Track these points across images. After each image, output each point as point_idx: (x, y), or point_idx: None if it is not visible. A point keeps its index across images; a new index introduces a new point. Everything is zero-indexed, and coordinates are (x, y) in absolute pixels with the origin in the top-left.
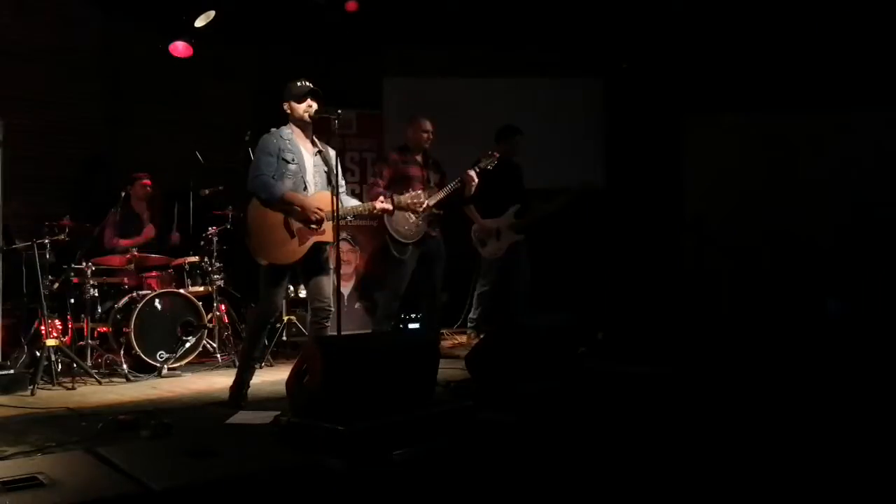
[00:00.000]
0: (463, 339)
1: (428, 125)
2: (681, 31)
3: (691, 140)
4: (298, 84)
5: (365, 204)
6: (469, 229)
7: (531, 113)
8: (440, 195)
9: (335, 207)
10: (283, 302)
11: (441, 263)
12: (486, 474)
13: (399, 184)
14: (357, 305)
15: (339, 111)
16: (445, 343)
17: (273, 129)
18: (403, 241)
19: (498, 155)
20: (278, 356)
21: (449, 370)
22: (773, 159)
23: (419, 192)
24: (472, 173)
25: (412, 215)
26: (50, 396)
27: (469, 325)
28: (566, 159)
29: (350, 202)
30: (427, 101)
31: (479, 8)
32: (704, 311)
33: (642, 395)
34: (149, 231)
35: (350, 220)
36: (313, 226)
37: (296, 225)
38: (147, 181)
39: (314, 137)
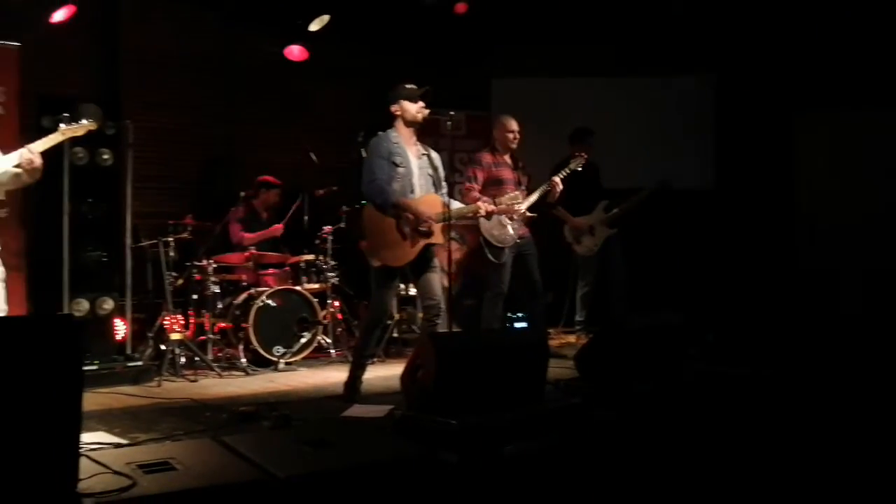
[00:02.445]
0: (571, 338)
1: (513, 125)
2: (792, 27)
3: (803, 137)
4: (410, 86)
5: (469, 206)
6: (559, 230)
7: (640, 111)
8: (533, 199)
9: (446, 209)
10: (395, 300)
11: (535, 260)
12: (593, 472)
13: (492, 186)
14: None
15: (452, 113)
16: (553, 342)
17: (381, 133)
18: (498, 245)
19: (585, 156)
20: (390, 352)
21: (558, 369)
22: (888, 157)
23: (516, 193)
24: (558, 179)
25: (506, 220)
26: (174, 388)
27: (577, 327)
28: (676, 158)
29: (454, 205)
30: (535, 102)
31: (587, 7)
32: (818, 312)
33: (750, 397)
34: (275, 229)
35: (454, 222)
36: (422, 232)
37: (407, 228)
38: (279, 190)
39: (417, 140)
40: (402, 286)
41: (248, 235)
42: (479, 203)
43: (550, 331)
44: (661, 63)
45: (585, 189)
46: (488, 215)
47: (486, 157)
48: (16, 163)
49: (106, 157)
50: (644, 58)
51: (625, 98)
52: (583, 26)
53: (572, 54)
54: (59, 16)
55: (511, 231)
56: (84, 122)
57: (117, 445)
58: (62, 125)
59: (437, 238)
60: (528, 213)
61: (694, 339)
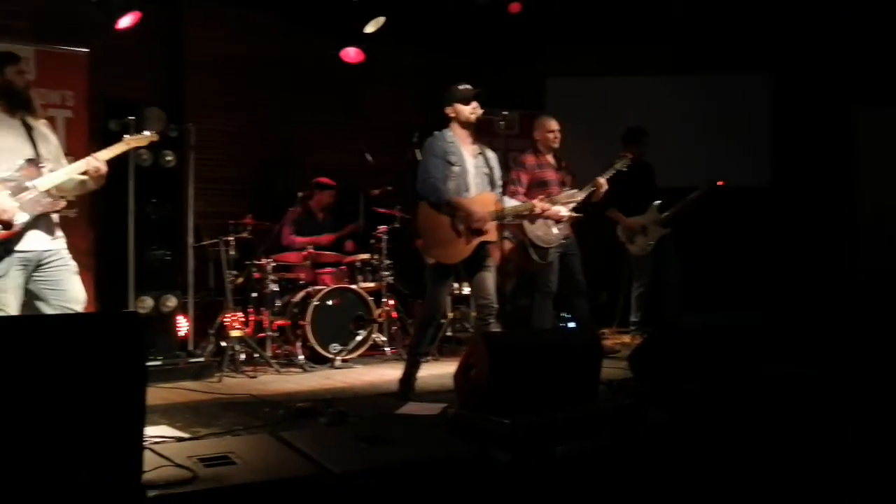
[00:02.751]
0: (626, 338)
1: (553, 124)
2: (851, 21)
3: (864, 134)
4: (462, 87)
5: (525, 204)
6: (611, 230)
7: (695, 109)
8: (578, 199)
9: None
10: (448, 299)
11: (578, 260)
12: (646, 473)
13: (536, 188)
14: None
15: (505, 113)
16: (608, 342)
17: (436, 133)
18: (543, 245)
19: (631, 155)
20: (444, 351)
21: (612, 369)
22: None
23: (574, 190)
24: (603, 180)
25: (550, 221)
26: (234, 383)
27: (631, 328)
28: (730, 156)
29: (510, 202)
30: (590, 101)
31: (642, 6)
32: (879, 314)
33: (802, 398)
34: (327, 238)
35: (509, 221)
36: (475, 231)
37: (461, 226)
38: (334, 191)
39: (473, 140)
40: (456, 285)
41: (299, 240)
42: (535, 201)
43: (605, 331)
44: (715, 60)
45: (639, 189)
46: (544, 212)
47: (530, 159)
48: (82, 170)
49: (169, 158)
50: (699, 56)
51: (680, 96)
52: (637, 25)
53: (627, 53)
54: (125, 22)
55: (555, 231)
56: (146, 133)
57: (179, 439)
58: (126, 136)
59: (492, 236)
60: (573, 214)
61: (749, 340)
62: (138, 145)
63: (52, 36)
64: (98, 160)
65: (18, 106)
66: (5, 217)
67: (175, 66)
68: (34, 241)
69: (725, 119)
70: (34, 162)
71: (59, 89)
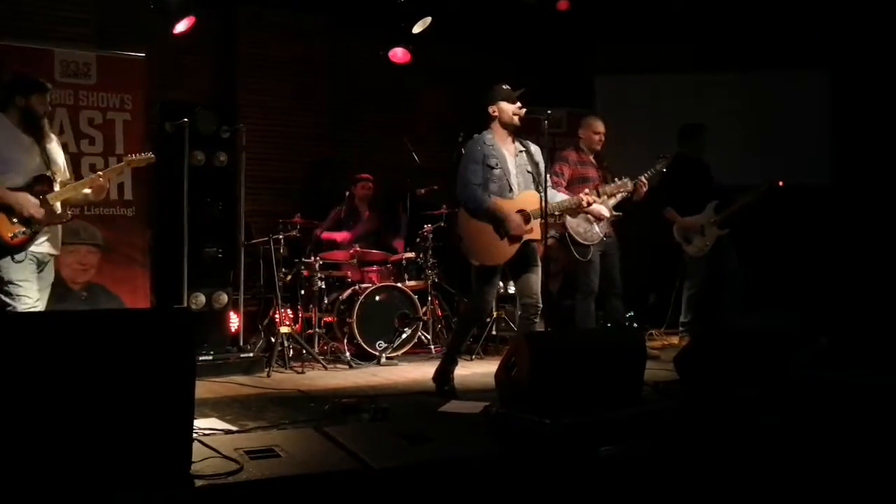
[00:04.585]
0: (674, 340)
1: (600, 126)
2: None
3: None
4: (506, 87)
5: (572, 199)
6: (665, 230)
7: (749, 108)
8: (618, 198)
9: (544, 205)
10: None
11: (617, 260)
12: (689, 475)
13: (577, 184)
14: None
15: (549, 111)
16: (655, 343)
17: (475, 136)
18: (585, 243)
19: (668, 156)
20: (488, 349)
21: (657, 371)
22: None
23: (625, 180)
24: (644, 179)
25: (591, 217)
26: (283, 378)
27: (680, 329)
28: (786, 155)
29: (557, 197)
30: (639, 98)
31: (692, 1)
32: None
33: (867, 405)
34: (366, 222)
35: (558, 216)
36: (511, 236)
37: (502, 229)
38: (370, 183)
39: (515, 137)
40: (501, 284)
41: (324, 235)
42: (581, 195)
43: (653, 332)
44: (770, 56)
45: (696, 188)
46: (590, 206)
47: (572, 155)
48: (87, 187)
49: (222, 159)
50: (751, 52)
51: (732, 93)
52: (686, 21)
53: (676, 50)
54: (181, 27)
55: (597, 229)
56: (150, 154)
57: (227, 432)
58: (128, 156)
59: (536, 234)
60: (614, 213)
61: (806, 343)
62: (138, 165)
63: (112, 42)
64: (102, 179)
65: (33, 129)
66: (35, 213)
67: (228, 69)
68: (43, 246)
69: (780, 116)
70: (46, 178)
71: (119, 93)
